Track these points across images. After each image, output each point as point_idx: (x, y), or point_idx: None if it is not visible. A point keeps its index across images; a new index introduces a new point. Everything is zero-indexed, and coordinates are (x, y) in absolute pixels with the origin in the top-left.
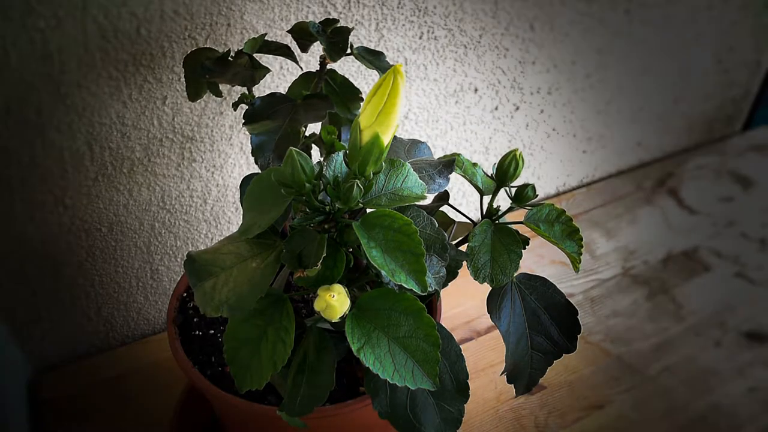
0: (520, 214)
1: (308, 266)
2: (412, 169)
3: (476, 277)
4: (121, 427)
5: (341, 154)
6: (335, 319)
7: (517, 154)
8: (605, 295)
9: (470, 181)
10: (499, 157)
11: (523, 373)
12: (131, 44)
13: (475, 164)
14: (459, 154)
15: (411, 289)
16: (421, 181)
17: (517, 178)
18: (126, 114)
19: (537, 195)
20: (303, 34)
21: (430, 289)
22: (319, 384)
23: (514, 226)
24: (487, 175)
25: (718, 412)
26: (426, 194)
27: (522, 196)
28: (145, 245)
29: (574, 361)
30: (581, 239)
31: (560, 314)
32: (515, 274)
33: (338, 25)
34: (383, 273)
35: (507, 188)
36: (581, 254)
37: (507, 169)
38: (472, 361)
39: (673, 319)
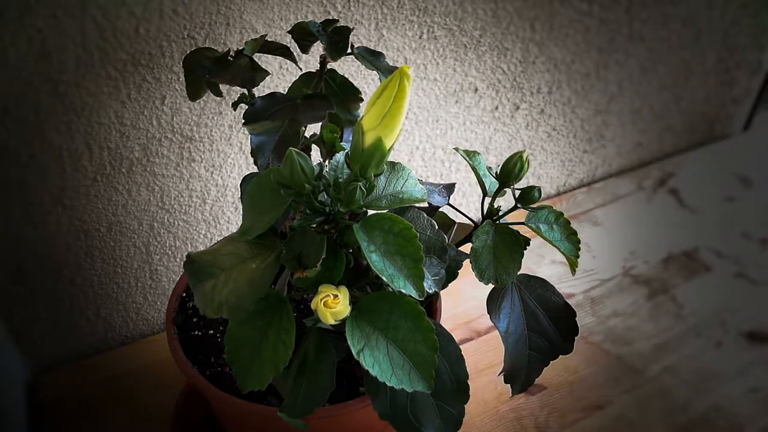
0: (518, 215)
1: (308, 267)
2: (412, 173)
3: (481, 279)
4: (120, 427)
5: (342, 155)
6: (329, 322)
7: (524, 155)
8: (606, 295)
9: (474, 170)
10: (499, 157)
11: (520, 373)
12: (130, 44)
13: (475, 152)
14: (458, 148)
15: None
16: (420, 185)
17: (520, 179)
18: (125, 113)
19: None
20: (303, 35)
21: (429, 291)
22: (319, 385)
23: (513, 227)
24: (490, 174)
25: (718, 412)
26: (426, 198)
27: (527, 198)
28: (144, 245)
29: (575, 361)
30: (579, 242)
31: (559, 315)
32: None
33: (338, 25)
34: (383, 277)
35: (511, 189)
36: (578, 257)
37: (512, 169)
38: (472, 361)
39: (674, 319)
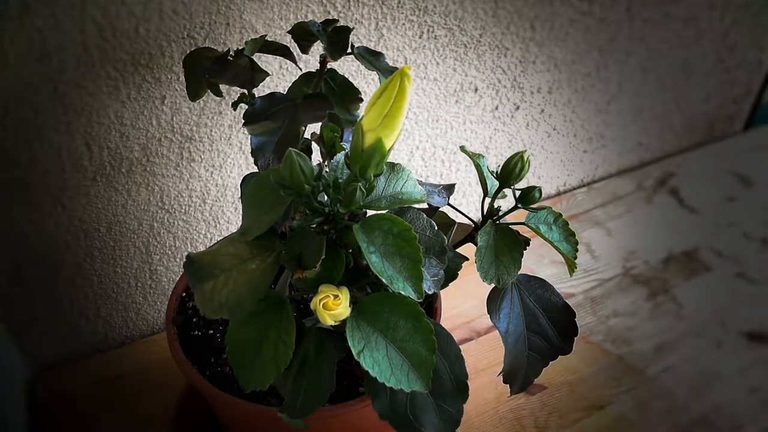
0: (518, 215)
1: (307, 267)
2: (412, 174)
3: (484, 279)
4: (119, 427)
5: (342, 155)
6: (328, 324)
7: (524, 156)
8: (606, 295)
9: (478, 170)
10: (500, 157)
11: (519, 374)
12: (130, 43)
13: (480, 154)
14: (464, 147)
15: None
16: (420, 186)
17: (521, 179)
18: (124, 113)
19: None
20: (303, 35)
21: (428, 292)
22: (319, 385)
23: (513, 227)
24: (491, 174)
25: (718, 412)
26: (425, 199)
27: (528, 198)
28: (143, 245)
29: (575, 361)
30: (577, 243)
31: (558, 316)
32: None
33: (338, 25)
34: (382, 279)
35: (512, 189)
36: (576, 258)
37: (513, 169)
38: (472, 361)
39: (674, 319)
